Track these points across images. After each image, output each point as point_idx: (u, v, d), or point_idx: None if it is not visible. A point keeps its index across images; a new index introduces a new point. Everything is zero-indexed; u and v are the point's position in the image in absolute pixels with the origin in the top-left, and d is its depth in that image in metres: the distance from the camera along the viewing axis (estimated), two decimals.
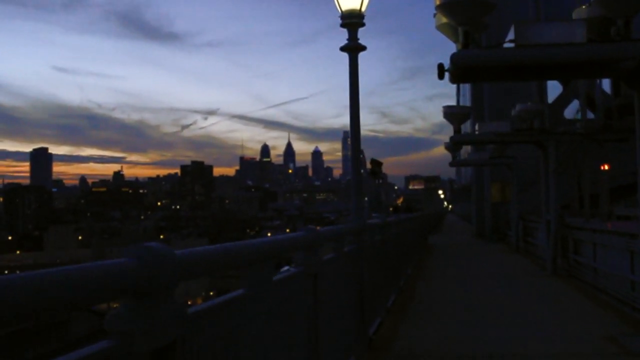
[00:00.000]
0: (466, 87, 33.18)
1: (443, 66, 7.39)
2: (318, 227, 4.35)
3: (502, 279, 13.80)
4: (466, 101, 30.83)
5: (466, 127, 19.52)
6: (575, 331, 8.12)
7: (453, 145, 13.63)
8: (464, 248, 25.12)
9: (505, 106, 21.61)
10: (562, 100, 28.00)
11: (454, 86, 22.90)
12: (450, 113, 13.53)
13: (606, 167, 26.95)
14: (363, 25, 7.44)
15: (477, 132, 13.50)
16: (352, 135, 7.52)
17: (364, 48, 7.54)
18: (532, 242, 20.67)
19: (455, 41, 8.58)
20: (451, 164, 22.19)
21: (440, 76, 7.56)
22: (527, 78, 12.29)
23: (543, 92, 17.13)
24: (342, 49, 7.52)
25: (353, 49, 7.44)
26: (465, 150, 32.27)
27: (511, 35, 7.52)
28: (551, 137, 13.59)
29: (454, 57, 7.31)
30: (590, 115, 23.31)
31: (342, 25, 7.41)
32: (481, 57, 7.48)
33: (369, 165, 20.39)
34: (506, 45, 7.70)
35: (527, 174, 24.94)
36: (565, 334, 7.97)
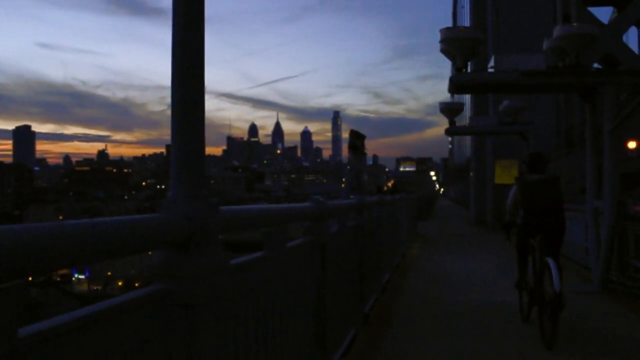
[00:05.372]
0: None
1: None
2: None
3: None
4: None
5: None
6: None
7: (454, 89, 8.56)
8: (462, 239, 20.19)
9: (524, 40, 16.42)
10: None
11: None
12: (451, 39, 8.27)
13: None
14: None
15: (491, 69, 8.37)
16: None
17: None
18: None
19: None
20: (447, 131, 17.16)
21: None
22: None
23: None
24: None
25: None
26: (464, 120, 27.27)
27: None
28: (611, 78, 8.35)
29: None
30: None
31: None
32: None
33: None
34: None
35: (541, 149, 20.06)
36: None
